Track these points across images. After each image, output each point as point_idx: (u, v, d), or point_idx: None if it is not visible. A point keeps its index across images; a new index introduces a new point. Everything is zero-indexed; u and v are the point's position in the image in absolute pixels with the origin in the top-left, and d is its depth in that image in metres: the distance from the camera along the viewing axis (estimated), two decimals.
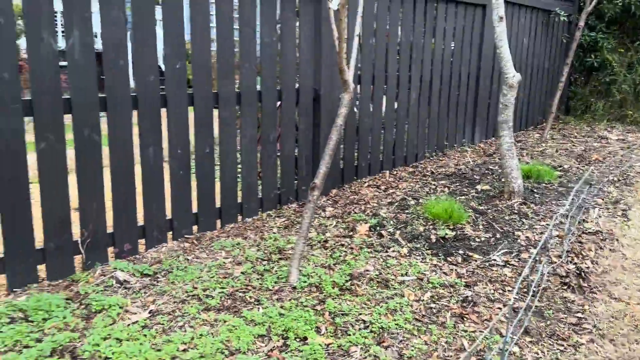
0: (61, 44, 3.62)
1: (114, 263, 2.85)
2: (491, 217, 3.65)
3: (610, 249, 3.27)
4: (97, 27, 2.73)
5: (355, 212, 3.77)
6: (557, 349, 2.25)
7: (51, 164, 2.63)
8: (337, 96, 4.08)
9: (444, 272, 2.88)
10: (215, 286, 2.63)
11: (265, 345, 2.16)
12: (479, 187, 4.36)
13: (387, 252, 3.12)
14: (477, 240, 3.30)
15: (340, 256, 3.02)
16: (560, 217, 3.62)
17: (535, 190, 4.25)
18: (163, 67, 3.08)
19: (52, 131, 2.60)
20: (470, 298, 2.61)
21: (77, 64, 2.65)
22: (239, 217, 3.64)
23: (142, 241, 3.11)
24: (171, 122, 3.11)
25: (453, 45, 5.50)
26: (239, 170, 3.59)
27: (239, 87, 3.48)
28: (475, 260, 3.03)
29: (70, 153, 2.68)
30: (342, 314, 2.40)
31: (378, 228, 3.46)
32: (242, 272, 2.79)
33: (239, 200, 3.62)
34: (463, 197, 4.10)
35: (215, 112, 3.34)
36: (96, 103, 2.75)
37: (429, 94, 5.25)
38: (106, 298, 2.44)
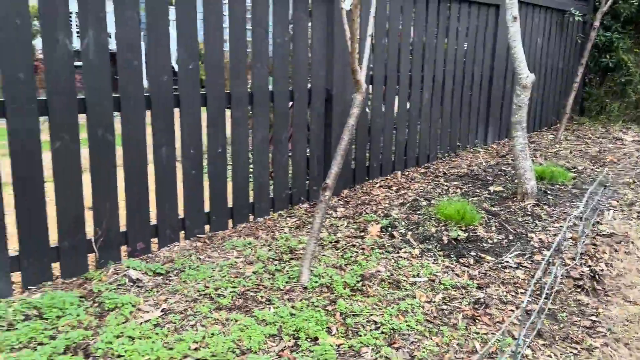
0: (76, 44, 3.66)
1: (127, 262, 2.87)
2: (504, 218, 3.62)
3: (625, 252, 3.23)
4: (111, 27, 2.76)
5: (367, 213, 3.76)
6: (571, 353, 2.23)
7: (66, 163, 2.65)
8: (349, 96, 4.07)
9: (456, 274, 2.87)
10: (227, 285, 2.64)
11: (277, 345, 2.16)
12: (491, 188, 4.33)
13: (398, 253, 3.11)
14: (490, 241, 3.27)
15: (351, 257, 3.02)
16: (574, 219, 3.58)
17: (548, 192, 4.21)
18: (176, 68, 3.10)
19: (67, 131, 2.63)
20: (482, 300, 2.59)
21: (91, 64, 2.67)
22: (251, 217, 3.65)
23: (155, 240, 3.13)
24: (184, 122, 3.13)
25: (466, 45, 5.47)
26: (251, 170, 3.60)
27: (251, 87, 3.49)
28: (488, 262, 3.01)
29: (85, 152, 2.71)
30: (353, 315, 2.40)
31: (389, 229, 3.45)
32: (253, 272, 2.80)
33: (251, 200, 3.63)
34: (475, 198, 4.07)
35: (228, 112, 3.36)
36: (110, 103, 2.77)
37: (441, 94, 5.23)
38: (119, 296, 2.46)
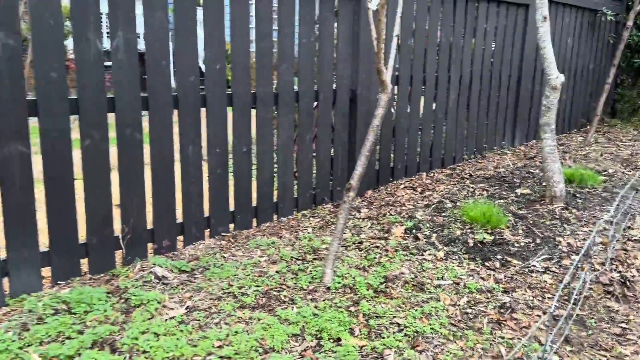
0: (106, 44, 3.73)
1: (153, 259, 2.91)
2: (531, 221, 3.56)
3: None
4: (140, 28, 2.80)
5: (391, 214, 3.74)
6: None
7: (95, 161, 2.71)
8: (374, 97, 4.06)
9: (482, 277, 2.83)
10: (251, 284, 2.65)
11: (299, 345, 2.16)
12: (518, 190, 4.26)
13: (422, 255, 3.08)
14: (516, 245, 3.22)
15: (374, 258, 3.00)
16: (604, 223, 3.50)
17: (577, 195, 4.12)
18: (203, 68, 3.13)
19: (96, 129, 2.68)
20: (508, 304, 2.55)
21: (121, 64, 2.72)
22: (275, 216, 3.67)
23: (181, 238, 3.17)
24: (210, 122, 3.16)
25: (494, 45, 5.39)
26: (275, 169, 3.61)
27: (277, 87, 3.51)
28: (514, 266, 2.97)
29: (113, 151, 2.76)
30: (376, 317, 2.38)
31: (414, 230, 3.42)
32: (276, 271, 2.81)
33: (275, 199, 3.65)
34: (502, 200, 4.01)
35: (253, 112, 3.38)
36: (138, 102, 2.81)
37: (468, 95, 5.16)
38: (145, 293, 2.50)
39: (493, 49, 5.39)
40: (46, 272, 2.66)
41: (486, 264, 2.99)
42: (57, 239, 2.64)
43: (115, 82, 2.72)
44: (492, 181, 4.58)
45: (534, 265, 2.97)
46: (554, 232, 3.41)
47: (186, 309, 2.43)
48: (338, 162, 4.00)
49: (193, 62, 3.02)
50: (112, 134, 2.72)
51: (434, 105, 4.82)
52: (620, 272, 2.88)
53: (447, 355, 2.13)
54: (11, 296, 2.51)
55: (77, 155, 2.61)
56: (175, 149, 3.01)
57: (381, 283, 2.69)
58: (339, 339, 2.19)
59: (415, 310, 2.44)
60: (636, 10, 6.04)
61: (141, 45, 2.76)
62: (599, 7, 6.80)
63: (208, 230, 3.30)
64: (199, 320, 2.33)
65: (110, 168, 2.77)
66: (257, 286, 2.64)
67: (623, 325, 2.44)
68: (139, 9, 2.72)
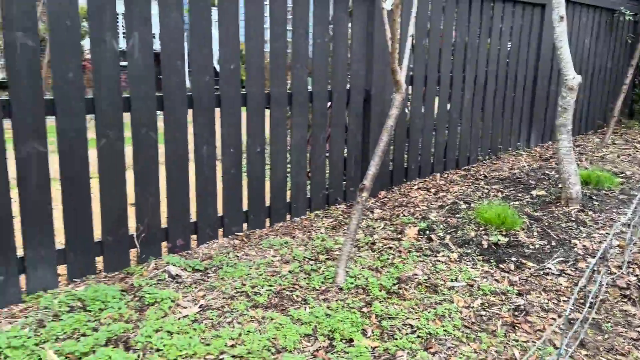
0: (122, 44, 3.77)
1: (167, 257, 2.93)
2: (546, 223, 3.52)
3: None
4: (156, 28, 2.82)
5: (404, 215, 3.72)
6: None
7: (110, 160, 2.73)
8: (388, 97, 4.05)
9: (496, 279, 2.80)
10: (263, 284, 2.66)
11: (311, 345, 2.16)
12: (534, 192, 4.22)
13: (436, 256, 3.07)
14: (531, 247, 3.19)
15: (388, 259, 2.99)
16: (621, 225, 3.45)
17: (594, 197, 4.07)
18: (218, 68, 3.14)
19: (112, 129, 2.71)
20: (522, 307, 2.53)
21: (136, 64, 2.74)
22: (288, 216, 3.67)
23: (194, 237, 3.19)
24: (224, 122, 3.18)
25: (509, 45, 5.34)
26: (289, 170, 3.62)
27: (290, 87, 3.51)
28: (529, 268, 2.94)
29: (128, 150, 2.78)
30: (389, 318, 2.37)
31: (427, 232, 3.41)
32: (289, 271, 2.82)
33: (288, 199, 3.65)
34: (517, 202, 3.97)
35: (267, 112, 3.39)
36: (154, 102, 2.84)
37: (483, 95, 5.13)
38: (159, 291, 2.52)
39: (509, 49, 5.34)
40: (62, 269, 2.70)
41: (500, 266, 2.96)
42: (73, 237, 2.67)
43: (131, 82, 2.75)
44: (507, 182, 4.54)
45: (549, 268, 2.94)
46: (570, 234, 3.37)
47: (199, 307, 2.44)
48: (351, 162, 3.99)
49: (208, 62, 3.04)
50: (127, 133, 2.75)
51: (448, 106, 4.79)
52: (637, 275, 2.84)
53: (461, 358, 2.11)
54: (28, 293, 2.54)
55: (92, 154, 2.64)
56: (189, 149, 3.03)
57: (394, 284, 2.68)
58: (351, 340, 2.19)
59: (429, 312, 2.43)
60: None
61: (156, 46, 2.78)
62: (617, 6, 6.71)
63: (221, 229, 3.31)
64: (212, 319, 2.34)
65: (125, 167, 2.80)
66: (270, 286, 2.64)
67: None
68: (154, 9, 2.75)
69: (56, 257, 2.62)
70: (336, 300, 2.50)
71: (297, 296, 2.56)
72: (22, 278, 2.54)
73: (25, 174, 2.46)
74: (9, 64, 2.34)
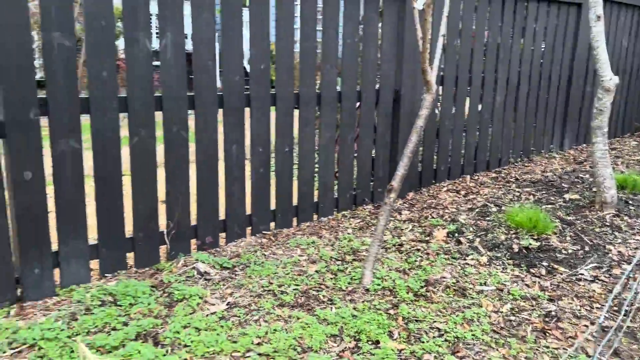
0: (155, 44, 3.83)
1: (196, 254, 2.97)
2: (580, 228, 3.43)
3: None
4: (188, 28, 2.86)
5: (433, 217, 3.68)
6: None
7: (142, 158, 2.78)
8: (418, 97, 4.01)
9: (526, 284, 2.75)
10: (290, 283, 2.67)
11: (337, 346, 2.16)
12: (567, 196, 4.12)
13: (465, 259, 3.02)
14: (564, 252, 3.11)
15: (415, 261, 2.96)
16: None
17: (630, 202, 3.95)
18: (248, 68, 3.17)
19: (144, 127, 2.75)
20: (553, 313, 2.47)
21: (168, 64, 2.78)
22: (315, 216, 3.68)
23: (223, 235, 3.22)
24: (254, 122, 3.20)
25: (543, 45, 5.23)
26: (316, 169, 3.62)
27: (319, 88, 3.51)
28: (561, 274, 2.87)
29: (160, 148, 2.82)
30: (416, 320, 2.35)
31: (456, 234, 3.36)
32: (316, 271, 2.82)
33: (315, 199, 3.65)
34: (549, 205, 3.89)
35: (296, 112, 3.40)
36: (185, 101, 2.87)
37: (515, 96, 5.03)
38: (187, 288, 2.55)
39: (543, 49, 5.23)
40: (94, 264, 2.75)
41: (531, 270, 2.90)
42: (105, 233, 2.72)
43: (163, 81, 2.79)
44: (539, 185, 4.45)
45: (582, 274, 2.86)
46: (604, 239, 3.28)
47: (227, 305, 2.46)
48: (379, 162, 3.97)
49: (238, 62, 3.06)
50: (159, 132, 2.79)
51: (479, 107, 4.72)
52: None
53: None
54: (61, 287, 2.61)
55: (125, 152, 2.69)
56: (219, 148, 3.06)
57: (422, 287, 2.65)
58: (377, 342, 2.18)
59: (457, 316, 2.40)
60: None
61: (188, 46, 2.82)
62: None
63: (249, 228, 3.34)
64: (239, 316, 2.36)
65: (156, 165, 2.84)
66: (297, 285, 2.65)
67: None
68: (187, 10, 2.78)
69: (89, 252, 2.68)
70: (363, 302, 2.49)
71: (323, 296, 2.55)
72: (57, 272, 2.60)
73: (61, 171, 2.52)
74: (47, 63, 2.40)
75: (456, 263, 2.96)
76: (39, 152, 2.43)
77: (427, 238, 3.32)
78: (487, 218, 3.63)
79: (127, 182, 2.73)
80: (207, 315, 2.35)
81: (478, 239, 3.28)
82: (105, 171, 2.66)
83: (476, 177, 4.71)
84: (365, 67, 3.71)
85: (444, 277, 2.77)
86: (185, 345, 2.11)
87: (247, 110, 3.15)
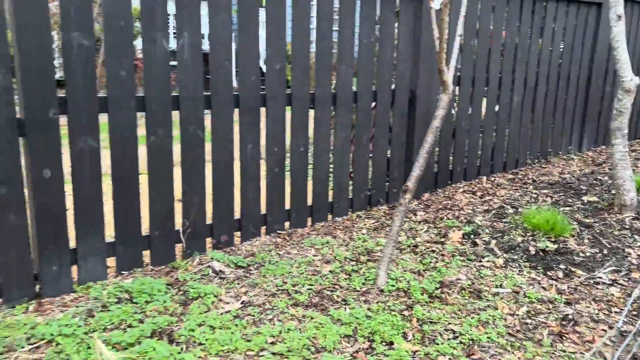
0: (172, 44, 3.86)
1: (211, 253, 2.99)
2: (598, 231, 3.38)
3: None
4: (205, 28, 2.87)
5: (448, 218, 3.66)
6: None
7: (159, 157, 2.80)
8: (434, 97, 3.99)
9: (543, 287, 2.72)
10: (304, 282, 2.67)
11: (351, 346, 2.16)
12: (585, 198, 4.06)
13: (480, 261, 3.00)
14: (582, 255, 3.07)
15: (430, 262, 2.95)
16: None
17: None
18: (264, 68, 3.17)
19: (161, 126, 2.78)
20: (571, 316, 2.44)
21: (186, 64, 2.81)
22: (329, 216, 3.68)
23: (238, 234, 3.23)
24: (269, 121, 3.21)
25: (562, 45, 5.17)
26: (331, 169, 3.62)
27: (335, 88, 3.51)
28: (578, 277, 2.83)
29: (176, 148, 2.85)
30: (431, 322, 2.34)
31: (472, 236, 3.34)
32: (330, 271, 2.82)
33: (330, 199, 3.65)
34: (567, 208, 3.84)
35: (311, 112, 3.40)
36: (202, 101, 2.89)
37: (533, 97, 4.98)
38: (202, 286, 2.57)
39: (561, 49, 5.16)
40: (111, 262, 2.78)
41: (548, 273, 2.87)
42: (122, 230, 2.75)
43: (180, 81, 2.81)
44: (556, 187, 4.40)
45: (600, 277, 2.82)
46: (623, 242, 3.23)
47: (241, 303, 2.47)
48: (395, 163, 3.96)
49: (254, 62, 3.07)
50: (175, 131, 2.81)
51: (496, 107, 4.67)
52: None
53: None
54: (79, 283, 2.64)
55: (142, 151, 2.72)
56: (235, 147, 3.07)
57: (436, 288, 2.64)
58: (391, 343, 2.17)
59: (472, 318, 2.38)
60: None
61: (205, 46, 2.84)
62: None
63: (264, 227, 3.35)
64: (253, 315, 2.37)
65: (173, 164, 2.87)
66: (311, 285, 2.65)
67: None
68: (204, 10, 2.80)
69: (106, 250, 2.71)
70: (377, 302, 2.49)
71: (337, 296, 2.55)
72: (74, 269, 2.64)
73: (79, 169, 2.55)
74: (66, 63, 2.44)
75: (472, 265, 2.94)
76: (57, 150, 2.47)
77: (443, 239, 3.30)
78: (504, 220, 3.59)
79: (143, 180, 2.76)
80: (221, 313, 2.37)
81: (494, 241, 3.25)
82: (123, 170, 2.69)
83: (493, 179, 4.67)
84: (381, 67, 3.69)
85: (459, 279, 2.75)
86: (200, 344, 2.12)
87: (262, 110, 3.16)
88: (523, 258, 3.04)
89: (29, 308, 2.42)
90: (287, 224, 3.46)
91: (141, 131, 2.67)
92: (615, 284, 2.75)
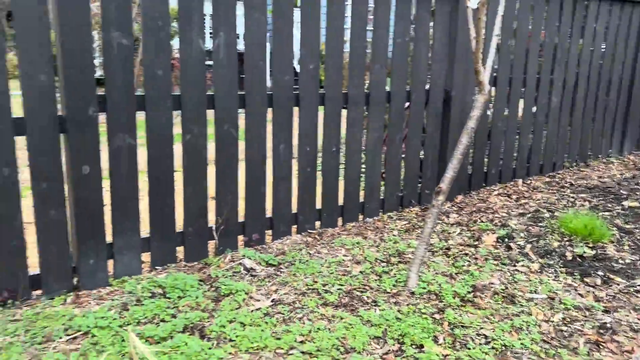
0: (208, 44, 3.91)
1: (243, 251, 3.02)
2: (639, 237, 3.27)
3: None
4: (240, 28, 2.90)
5: (482, 221, 3.60)
6: None
7: (194, 155, 2.85)
8: (469, 98, 3.93)
9: (579, 294, 2.64)
10: (334, 282, 2.67)
11: (381, 348, 2.14)
12: (625, 203, 3.93)
13: (515, 266, 2.94)
14: (621, 262, 2.97)
15: (463, 266, 2.90)
16: None
17: None
18: (297, 68, 3.19)
19: (196, 125, 2.82)
20: (608, 325, 2.36)
21: (221, 64, 2.84)
22: (360, 217, 3.66)
23: (269, 232, 3.25)
24: (302, 121, 3.22)
25: (604, 46, 5.01)
26: (363, 170, 3.61)
27: (368, 88, 3.49)
28: (617, 284, 2.74)
29: (210, 146, 2.88)
30: (462, 326, 2.30)
31: (506, 240, 3.27)
32: (360, 272, 2.81)
33: (361, 199, 3.64)
34: (606, 213, 3.72)
35: (344, 112, 3.39)
36: (236, 100, 2.92)
37: (572, 98, 4.84)
38: (234, 283, 2.60)
39: (603, 49, 5.01)
40: (145, 257, 2.84)
41: (585, 279, 2.79)
42: (156, 227, 2.81)
43: (215, 80, 2.85)
44: (595, 191, 4.27)
45: None
46: None
47: (272, 301, 2.49)
48: (428, 164, 3.91)
49: (288, 62, 3.09)
50: (210, 130, 2.85)
51: (534, 108, 4.57)
52: None
53: None
54: (114, 277, 2.71)
55: (177, 149, 2.77)
56: (267, 146, 3.10)
57: (469, 292, 2.60)
58: (421, 346, 2.15)
59: (505, 323, 2.33)
60: None
61: (240, 46, 2.86)
62: None
63: (295, 226, 3.36)
64: (283, 313, 2.38)
65: (207, 162, 2.91)
66: (341, 285, 2.65)
67: None
68: (239, 10, 2.83)
69: (141, 245, 2.77)
70: (407, 305, 2.47)
71: (367, 297, 2.54)
72: (110, 263, 2.70)
73: (116, 166, 2.62)
74: (106, 62, 2.50)
75: (505, 269, 2.88)
76: (96, 147, 2.53)
77: (476, 242, 3.24)
78: (540, 224, 3.51)
79: (178, 178, 2.80)
80: (252, 310, 2.39)
81: (529, 245, 3.18)
82: (158, 167, 2.74)
83: (529, 181, 4.57)
84: (416, 67, 3.66)
85: (493, 283, 2.70)
86: (231, 340, 2.15)
87: (295, 109, 3.17)
88: (559, 263, 2.96)
89: (67, 300, 2.50)
90: (317, 223, 3.46)
91: (176, 129, 2.72)
92: None
